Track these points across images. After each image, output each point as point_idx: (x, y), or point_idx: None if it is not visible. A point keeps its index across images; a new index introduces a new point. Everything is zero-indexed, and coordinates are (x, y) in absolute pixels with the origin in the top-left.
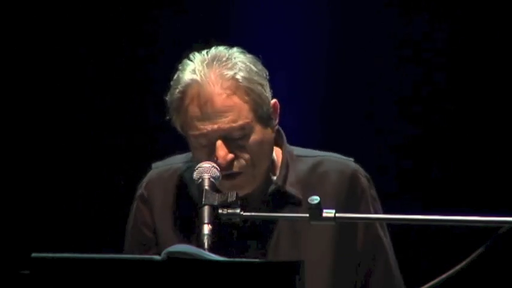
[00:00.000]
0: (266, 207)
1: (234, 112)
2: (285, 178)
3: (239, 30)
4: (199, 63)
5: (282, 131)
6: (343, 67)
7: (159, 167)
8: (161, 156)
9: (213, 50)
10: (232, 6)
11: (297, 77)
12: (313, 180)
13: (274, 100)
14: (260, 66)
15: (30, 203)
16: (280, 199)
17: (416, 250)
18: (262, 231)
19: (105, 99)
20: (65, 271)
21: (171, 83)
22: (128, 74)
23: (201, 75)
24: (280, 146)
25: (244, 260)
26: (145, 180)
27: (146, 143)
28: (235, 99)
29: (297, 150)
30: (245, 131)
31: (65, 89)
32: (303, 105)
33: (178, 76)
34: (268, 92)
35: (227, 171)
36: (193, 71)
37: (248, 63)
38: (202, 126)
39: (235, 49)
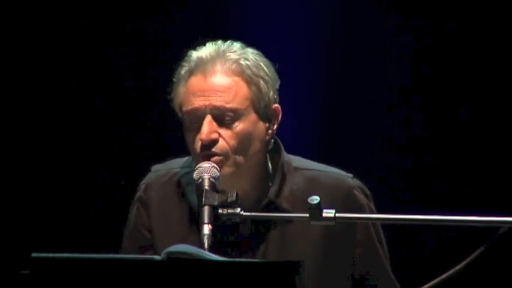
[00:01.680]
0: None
1: (230, 94)
2: (279, 192)
3: (239, 30)
4: (211, 46)
5: (279, 142)
6: (343, 68)
7: (158, 171)
8: (162, 157)
9: (230, 42)
10: (232, 5)
11: (297, 77)
12: (306, 195)
13: (276, 105)
14: (272, 71)
15: (30, 202)
16: (273, 212)
17: (416, 250)
18: (250, 244)
19: (106, 99)
20: (65, 271)
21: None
22: (128, 74)
23: (207, 54)
24: (277, 156)
25: (244, 260)
26: (143, 182)
27: (147, 144)
28: (234, 82)
29: (296, 161)
30: (236, 115)
31: (65, 89)
32: (302, 105)
33: (188, 55)
34: (271, 92)
35: (205, 152)
36: (202, 51)
37: (260, 61)
38: (195, 101)
39: (254, 50)
